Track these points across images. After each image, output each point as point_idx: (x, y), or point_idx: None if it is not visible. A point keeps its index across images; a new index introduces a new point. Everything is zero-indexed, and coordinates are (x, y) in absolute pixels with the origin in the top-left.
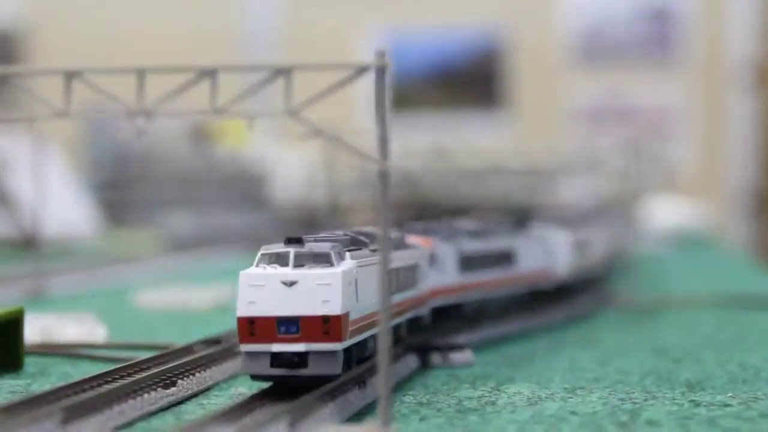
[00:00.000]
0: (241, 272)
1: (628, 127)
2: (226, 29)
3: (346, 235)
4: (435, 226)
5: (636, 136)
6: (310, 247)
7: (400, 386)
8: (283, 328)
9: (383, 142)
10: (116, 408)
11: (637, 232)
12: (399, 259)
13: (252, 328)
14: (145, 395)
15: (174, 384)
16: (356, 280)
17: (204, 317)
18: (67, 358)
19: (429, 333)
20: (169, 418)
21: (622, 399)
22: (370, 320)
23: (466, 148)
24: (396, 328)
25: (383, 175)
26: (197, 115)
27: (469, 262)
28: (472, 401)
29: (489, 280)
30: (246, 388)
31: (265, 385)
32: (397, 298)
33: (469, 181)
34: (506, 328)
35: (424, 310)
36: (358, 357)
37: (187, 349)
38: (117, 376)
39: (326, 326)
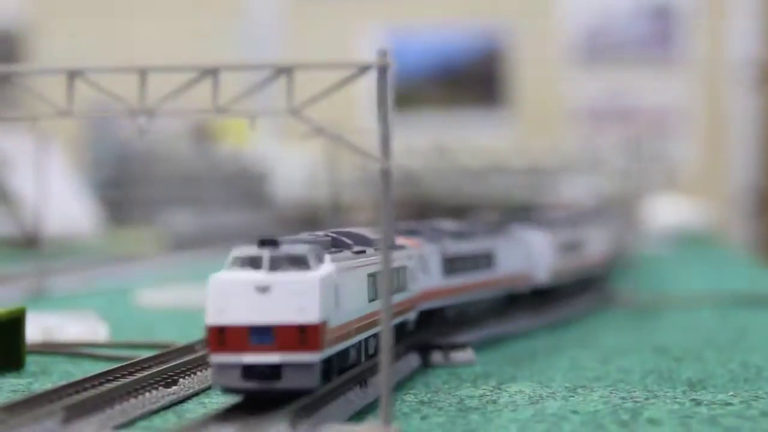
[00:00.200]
0: (211, 276)
1: (630, 126)
2: (228, 28)
3: (328, 236)
4: (418, 226)
5: (637, 135)
6: (286, 249)
7: (401, 385)
8: (255, 338)
9: (385, 141)
10: (117, 407)
11: (639, 232)
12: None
13: (222, 337)
14: (147, 394)
15: (175, 383)
16: (336, 284)
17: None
18: (68, 357)
19: (422, 335)
20: (170, 416)
21: (623, 398)
22: (353, 328)
23: (467, 147)
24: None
25: (385, 174)
26: (199, 114)
27: (452, 265)
28: (474, 400)
29: (471, 282)
30: None
31: None
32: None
33: (471, 180)
34: (507, 328)
35: (412, 315)
36: (340, 367)
37: (189, 348)
38: (118, 375)
39: (302, 336)
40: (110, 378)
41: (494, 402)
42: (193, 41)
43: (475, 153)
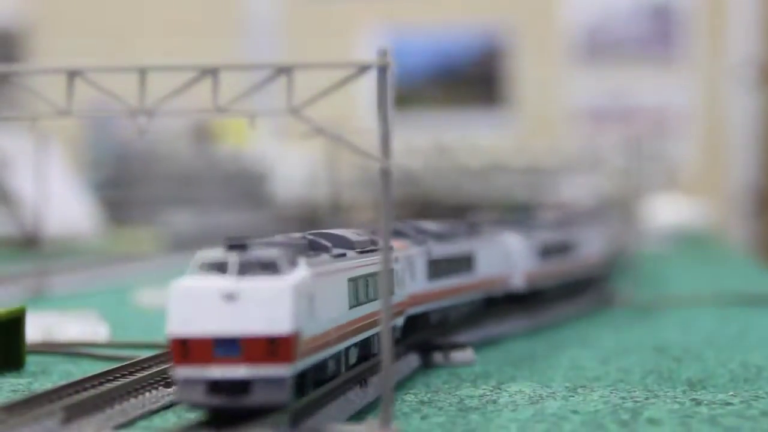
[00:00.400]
0: (173, 283)
1: (630, 126)
2: (228, 27)
3: (305, 238)
4: (403, 227)
5: (637, 134)
6: (256, 253)
7: (401, 385)
8: (221, 350)
9: (385, 140)
10: (117, 407)
11: (638, 231)
12: (371, 263)
13: (185, 349)
14: (147, 394)
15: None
16: (312, 291)
17: None
18: (68, 356)
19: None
20: (170, 416)
21: (623, 398)
22: (331, 338)
23: (467, 146)
24: (365, 344)
25: (385, 174)
26: (199, 114)
27: (436, 268)
28: (474, 400)
29: (454, 286)
30: None
31: None
32: (367, 309)
33: (471, 180)
34: (507, 327)
35: (400, 320)
36: (317, 380)
37: None
38: (118, 375)
39: (272, 348)
40: (110, 378)
41: (494, 402)
42: (193, 41)
43: (475, 152)
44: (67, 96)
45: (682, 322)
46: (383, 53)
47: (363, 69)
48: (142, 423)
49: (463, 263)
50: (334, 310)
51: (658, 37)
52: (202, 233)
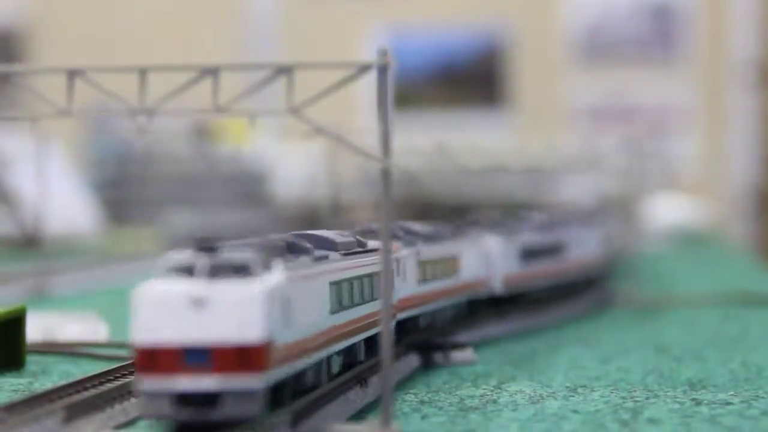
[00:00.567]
0: (138, 287)
1: (630, 126)
2: (228, 27)
3: (283, 240)
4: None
5: (637, 134)
6: (227, 256)
7: (401, 385)
8: (188, 360)
9: (385, 140)
10: (117, 407)
11: (639, 231)
12: (357, 266)
13: (150, 359)
14: None
15: None
16: (288, 296)
17: None
18: (68, 356)
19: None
20: None
21: (623, 397)
22: (310, 345)
23: (467, 146)
24: (350, 351)
25: (385, 174)
26: (199, 114)
27: (425, 269)
28: (474, 400)
29: (442, 289)
30: None
31: None
32: (352, 314)
33: (471, 180)
34: (507, 327)
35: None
36: (295, 390)
37: None
38: (118, 375)
39: (243, 358)
40: (110, 378)
41: (494, 401)
42: (193, 41)
43: (475, 152)
44: (67, 96)
45: (683, 322)
46: (383, 53)
47: (363, 69)
48: (142, 423)
49: (450, 265)
50: (313, 316)
51: (658, 38)
52: (202, 233)
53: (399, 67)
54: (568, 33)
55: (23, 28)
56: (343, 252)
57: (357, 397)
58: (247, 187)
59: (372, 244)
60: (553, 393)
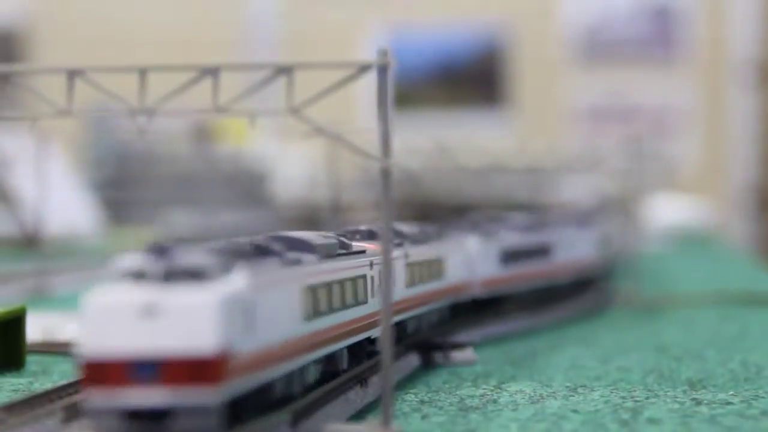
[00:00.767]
0: (84, 296)
1: (630, 126)
2: (228, 27)
3: (251, 243)
4: (378, 229)
5: (638, 134)
6: (180, 260)
7: (401, 384)
8: (138, 374)
9: (385, 140)
10: None
11: (639, 231)
12: (337, 269)
13: (98, 372)
14: None
15: None
16: (251, 302)
17: None
18: (68, 356)
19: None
20: None
21: (623, 397)
22: (278, 355)
23: (467, 146)
24: (330, 360)
25: (385, 173)
26: (199, 114)
27: (413, 273)
28: (474, 399)
29: (428, 291)
30: None
31: None
32: (332, 320)
33: (471, 180)
34: (508, 326)
35: (377, 332)
36: (262, 403)
37: None
38: None
39: (196, 370)
40: None
41: (495, 401)
42: (193, 41)
43: (475, 152)
44: (67, 96)
45: (683, 321)
46: (383, 53)
47: (363, 69)
48: None
49: (436, 267)
50: (282, 324)
51: (658, 38)
52: (202, 233)
53: (399, 67)
54: (568, 33)
55: (23, 28)
56: (322, 255)
57: (357, 397)
58: (247, 187)
59: (358, 245)
60: (553, 393)
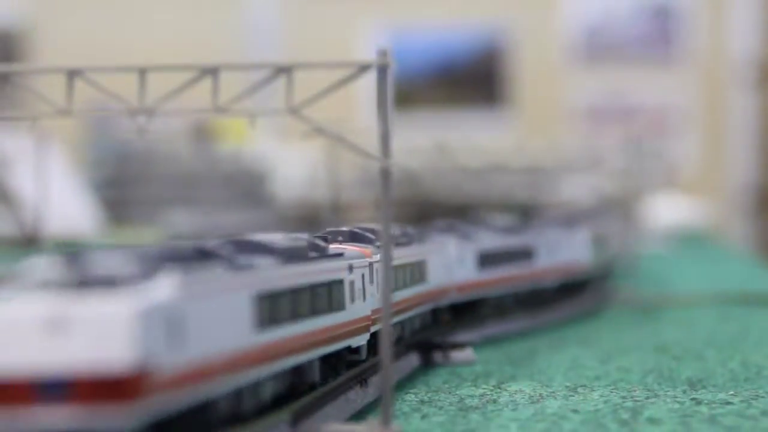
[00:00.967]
0: None
1: (630, 126)
2: (228, 27)
3: (191, 247)
4: (361, 231)
5: (637, 134)
6: (94, 265)
7: (401, 384)
8: (44, 393)
9: (385, 140)
10: None
11: (639, 231)
12: (302, 274)
13: (1, 392)
14: None
15: None
16: (180, 312)
17: None
18: None
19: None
20: None
21: (623, 397)
22: (218, 370)
23: (467, 146)
24: (297, 372)
25: (385, 173)
26: (199, 114)
27: (398, 276)
28: (474, 399)
29: (410, 296)
30: None
31: None
32: (290, 331)
33: (471, 180)
34: (508, 326)
35: (361, 339)
36: (201, 422)
37: None
38: None
39: (108, 388)
40: None
41: (494, 401)
42: (193, 41)
43: (475, 152)
44: (67, 96)
45: (682, 321)
46: (383, 53)
47: (363, 69)
48: None
49: (418, 271)
50: (225, 336)
51: (659, 38)
52: (202, 233)
53: (399, 67)
54: (569, 33)
55: (23, 28)
56: (284, 258)
57: (357, 397)
58: (247, 186)
59: (336, 248)
60: (553, 393)
